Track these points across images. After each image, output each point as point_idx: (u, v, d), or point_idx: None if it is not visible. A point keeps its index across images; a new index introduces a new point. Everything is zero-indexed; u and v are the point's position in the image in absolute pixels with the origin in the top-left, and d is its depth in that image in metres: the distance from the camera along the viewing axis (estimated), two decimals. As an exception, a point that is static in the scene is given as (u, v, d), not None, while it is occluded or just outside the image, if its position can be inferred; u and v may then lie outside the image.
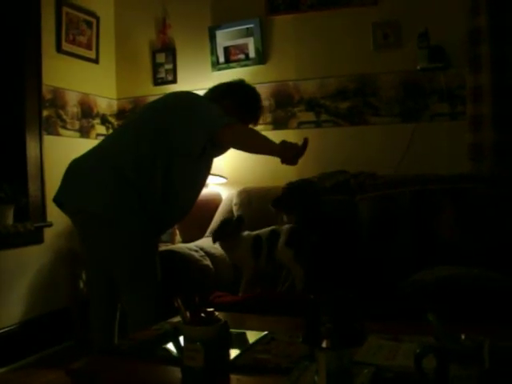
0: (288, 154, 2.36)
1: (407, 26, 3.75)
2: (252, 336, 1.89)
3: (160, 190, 2.49)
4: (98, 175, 2.44)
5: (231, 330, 1.58)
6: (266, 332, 1.91)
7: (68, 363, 1.82)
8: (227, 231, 3.12)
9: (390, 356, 1.58)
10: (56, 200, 2.55)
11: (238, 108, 2.73)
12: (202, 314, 1.48)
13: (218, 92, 2.80)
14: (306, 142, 2.33)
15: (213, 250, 3.39)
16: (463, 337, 1.32)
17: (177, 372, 1.55)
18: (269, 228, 3.12)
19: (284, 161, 2.40)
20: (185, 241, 3.82)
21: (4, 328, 3.57)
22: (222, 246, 3.18)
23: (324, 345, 1.32)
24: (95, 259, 2.64)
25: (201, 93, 2.87)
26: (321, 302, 1.67)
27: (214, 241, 3.17)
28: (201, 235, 3.75)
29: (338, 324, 1.50)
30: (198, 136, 2.46)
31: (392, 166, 3.66)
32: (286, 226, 3.07)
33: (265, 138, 2.50)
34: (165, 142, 2.48)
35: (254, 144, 2.54)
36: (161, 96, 2.78)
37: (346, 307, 1.67)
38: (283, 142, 2.40)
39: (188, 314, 1.51)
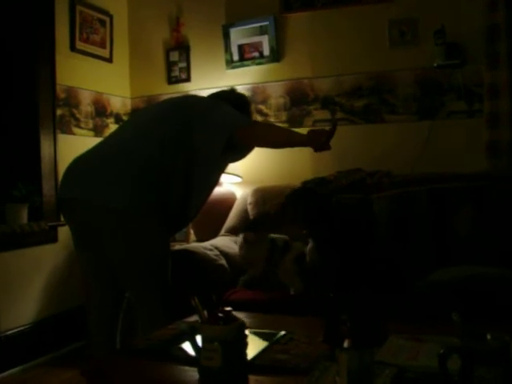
0: (318, 140, 2.32)
1: (424, 23, 3.71)
2: (269, 336, 1.86)
3: (181, 189, 2.46)
4: (119, 171, 2.37)
5: (248, 330, 1.56)
6: (283, 332, 1.88)
7: (82, 362, 1.80)
8: (265, 226, 3.12)
9: (411, 356, 1.55)
10: (64, 196, 2.48)
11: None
12: (220, 314, 1.46)
13: (219, 97, 2.77)
14: (334, 125, 2.29)
15: (227, 249, 3.37)
16: (489, 337, 1.29)
17: (193, 372, 1.53)
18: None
19: (317, 149, 2.35)
20: (199, 240, 3.80)
21: (19, 327, 3.58)
22: (249, 239, 3.17)
23: (345, 344, 1.30)
24: (100, 257, 2.54)
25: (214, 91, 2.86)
26: (340, 301, 1.64)
27: (252, 229, 3.18)
28: (215, 234, 3.74)
29: (359, 323, 1.48)
30: (219, 134, 2.39)
31: (408, 164, 3.62)
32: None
33: (290, 131, 2.47)
34: (187, 140, 2.43)
35: (280, 138, 2.50)
36: (176, 96, 2.76)
37: (366, 306, 1.64)
38: (311, 131, 2.36)
39: (205, 314, 1.49)
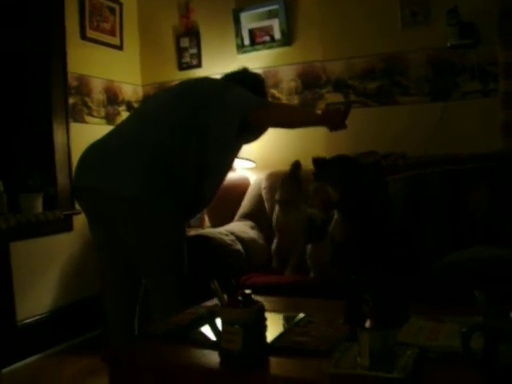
0: (334, 119, 2.30)
1: (436, 2, 3.65)
2: (289, 318, 1.86)
3: (193, 175, 2.44)
4: (131, 159, 2.36)
5: (267, 312, 1.55)
6: (303, 314, 1.88)
7: (99, 350, 1.80)
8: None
9: (431, 336, 1.54)
10: (78, 185, 2.47)
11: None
12: (239, 297, 1.46)
13: (232, 78, 2.74)
14: (348, 105, 2.27)
15: (243, 235, 3.37)
16: (512, 315, 1.28)
17: (213, 355, 1.54)
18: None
19: (332, 128, 2.33)
20: (213, 225, 3.80)
21: (35, 316, 3.60)
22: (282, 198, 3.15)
23: (367, 325, 1.29)
24: (114, 245, 2.55)
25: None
26: (363, 281, 1.63)
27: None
28: (229, 220, 3.73)
29: (382, 303, 1.47)
30: (233, 117, 2.37)
31: (422, 145, 3.58)
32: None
33: (305, 110, 2.41)
34: (199, 124, 2.41)
35: (295, 118, 2.48)
36: (186, 80, 2.73)
37: (390, 286, 1.63)
38: (326, 110, 2.33)
39: (225, 297, 1.49)
